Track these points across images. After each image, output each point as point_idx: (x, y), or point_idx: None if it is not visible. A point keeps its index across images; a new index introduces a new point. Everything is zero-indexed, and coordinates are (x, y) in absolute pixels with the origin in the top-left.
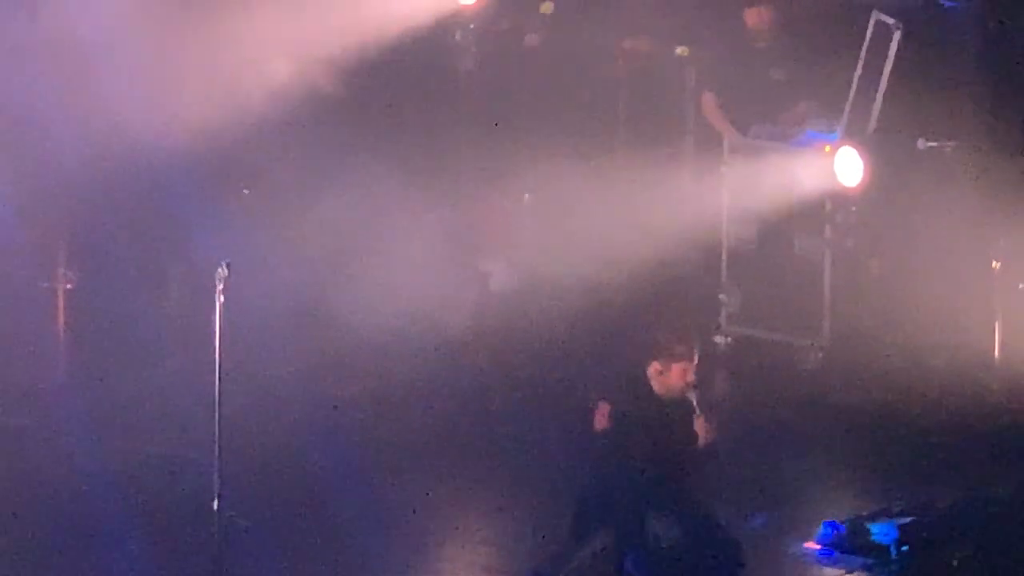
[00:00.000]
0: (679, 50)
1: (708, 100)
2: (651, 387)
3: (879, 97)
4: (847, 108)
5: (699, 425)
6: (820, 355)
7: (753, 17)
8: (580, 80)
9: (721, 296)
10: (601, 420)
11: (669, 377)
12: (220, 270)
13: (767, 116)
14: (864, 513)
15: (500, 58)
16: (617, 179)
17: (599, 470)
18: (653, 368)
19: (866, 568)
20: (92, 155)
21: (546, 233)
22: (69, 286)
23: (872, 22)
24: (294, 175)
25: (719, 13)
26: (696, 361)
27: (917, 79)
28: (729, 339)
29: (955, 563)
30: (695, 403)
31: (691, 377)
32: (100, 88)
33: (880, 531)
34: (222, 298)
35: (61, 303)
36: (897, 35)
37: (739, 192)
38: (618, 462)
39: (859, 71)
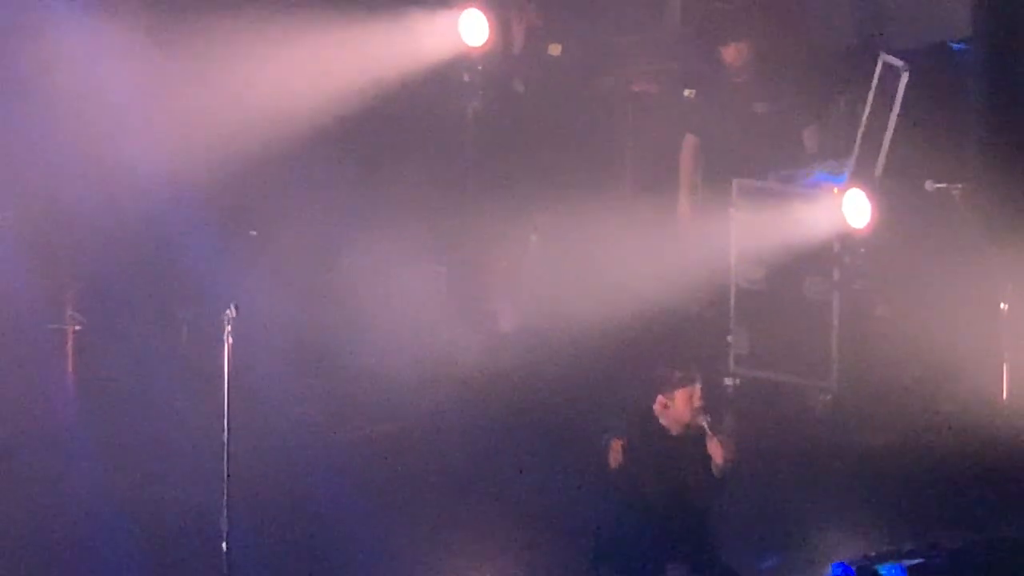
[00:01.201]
0: (687, 92)
1: (688, 144)
2: (660, 425)
3: (887, 139)
4: (855, 150)
5: (712, 446)
6: (828, 397)
7: (731, 54)
8: (587, 121)
9: (729, 338)
10: (616, 457)
11: (675, 407)
12: (228, 312)
13: (758, 152)
14: (873, 554)
15: (508, 99)
16: (625, 220)
17: (612, 511)
18: (659, 403)
19: None
20: (100, 198)
21: (553, 274)
22: (78, 328)
23: (880, 64)
24: (301, 217)
25: (697, 51)
26: (699, 384)
27: (925, 121)
28: (737, 381)
29: None
30: (706, 426)
31: (698, 401)
32: (108, 133)
33: (889, 572)
34: (230, 340)
35: (70, 345)
36: (905, 77)
37: (747, 234)
38: (631, 503)
39: (867, 113)
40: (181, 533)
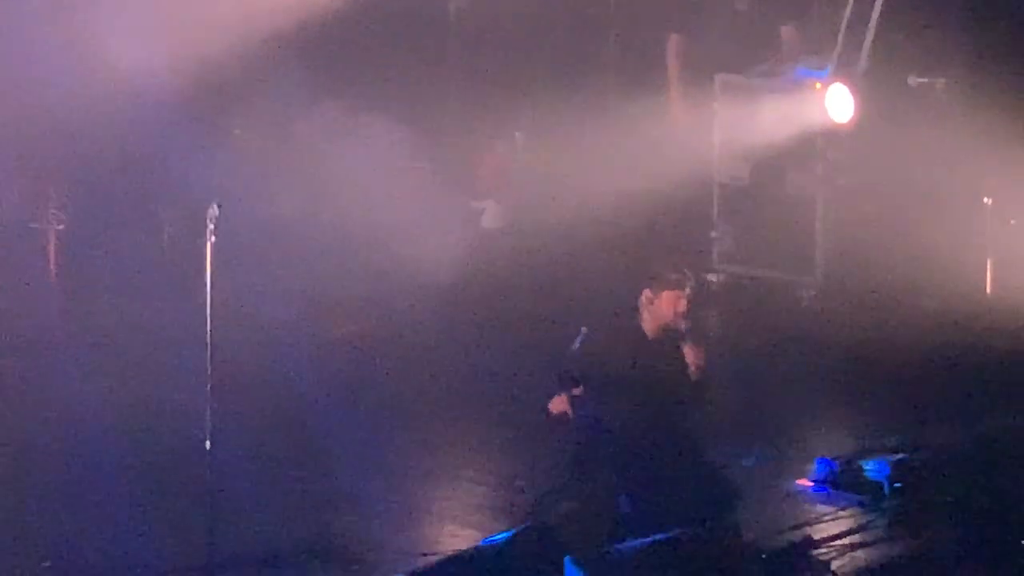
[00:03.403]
0: None
1: (672, 43)
2: (638, 324)
3: (869, 33)
4: (838, 45)
5: (688, 352)
6: (812, 293)
7: None
8: (570, 18)
9: (713, 234)
10: (558, 405)
11: (659, 306)
12: (211, 210)
13: (740, 49)
14: (857, 450)
15: None
16: (608, 118)
17: (592, 410)
18: (644, 296)
19: (859, 505)
20: (82, 96)
21: (537, 172)
22: (60, 227)
23: None
24: (285, 116)
25: None
26: (688, 293)
27: (908, 15)
28: (721, 277)
29: (948, 499)
30: (683, 330)
31: (681, 308)
32: (90, 29)
33: (873, 468)
34: (213, 238)
35: (52, 244)
36: None
37: (730, 129)
38: (611, 401)
39: (849, 7)
40: (165, 432)
